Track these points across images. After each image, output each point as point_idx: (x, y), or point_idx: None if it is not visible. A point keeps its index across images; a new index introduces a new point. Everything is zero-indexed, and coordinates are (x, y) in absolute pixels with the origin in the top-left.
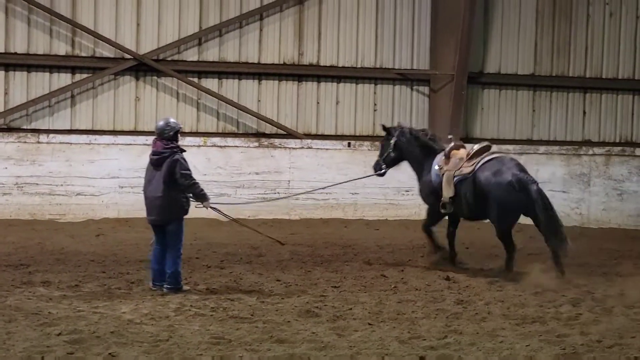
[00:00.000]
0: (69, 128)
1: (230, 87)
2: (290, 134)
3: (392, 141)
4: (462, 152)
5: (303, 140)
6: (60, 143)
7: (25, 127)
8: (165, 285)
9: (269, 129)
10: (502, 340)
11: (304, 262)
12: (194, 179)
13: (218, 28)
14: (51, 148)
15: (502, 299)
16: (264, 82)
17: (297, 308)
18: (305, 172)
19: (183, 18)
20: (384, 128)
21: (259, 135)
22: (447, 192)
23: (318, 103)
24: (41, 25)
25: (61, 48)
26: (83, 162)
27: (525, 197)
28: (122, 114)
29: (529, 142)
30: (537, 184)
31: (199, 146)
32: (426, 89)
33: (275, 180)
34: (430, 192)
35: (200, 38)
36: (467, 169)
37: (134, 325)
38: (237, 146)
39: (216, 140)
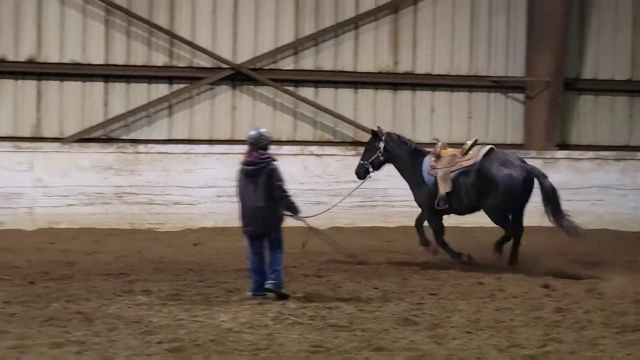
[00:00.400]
0: (166, 138)
1: (326, 96)
2: None
3: (381, 145)
4: (451, 151)
5: None
6: (158, 153)
7: (124, 137)
8: (268, 282)
9: (365, 137)
10: (603, 349)
11: (401, 270)
12: (287, 192)
13: (314, 37)
14: (150, 158)
15: (601, 307)
16: (360, 90)
17: (395, 316)
18: (402, 180)
19: (279, 27)
20: (373, 132)
21: (355, 143)
22: (444, 188)
23: (413, 111)
24: (140, 37)
25: (159, 59)
26: (180, 172)
27: (528, 190)
28: (219, 123)
29: (627, 148)
30: (547, 177)
31: (296, 155)
32: (521, 96)
33: (372, 188)
34: (426, 193)
35: (296, 47)
36: (466, 162)
37: (233, 333)
38: (334, 154)
39: (313, 148)
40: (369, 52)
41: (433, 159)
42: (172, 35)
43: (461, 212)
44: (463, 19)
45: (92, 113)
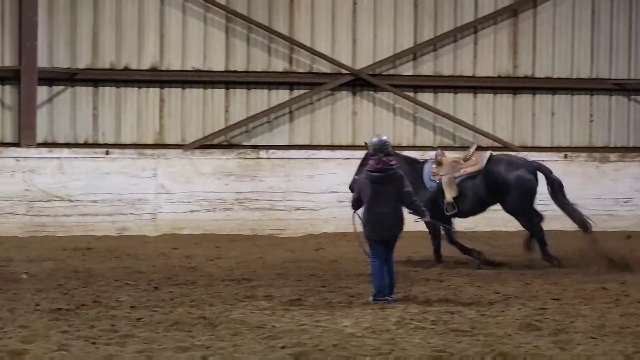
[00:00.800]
0: (287, 143)
1: (445, 101)
2: (506, 147)
3: None
4: (451, 157)
5: (519, 152)
6: (279, 158)
7: (245, 143)
8: (390, 297)
9: (485, 141)
10: None
11: (522, 274)
12: (415, 197)
13: (433, 42)
14: (271, 163)
15: None
16: (479, 95)
17: (517, 321)
18: None
19: (398, 33)
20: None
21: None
22: (450, 194)
23: (533, 115)
24: (260, 43)
25: (279, 65)
26: (302, 177)
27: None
28: (340, 129)
29: None
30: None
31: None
32: None
33: None
34: (427, 199)
35: (415, 52)
36: (471, 167)
37: (356, 338)
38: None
39: (433, 153)
40: (488, 56)
41: (434, 165)
42: (292, 42)
43: (465, 215)
44: (584, 20)
45: (213, 119)
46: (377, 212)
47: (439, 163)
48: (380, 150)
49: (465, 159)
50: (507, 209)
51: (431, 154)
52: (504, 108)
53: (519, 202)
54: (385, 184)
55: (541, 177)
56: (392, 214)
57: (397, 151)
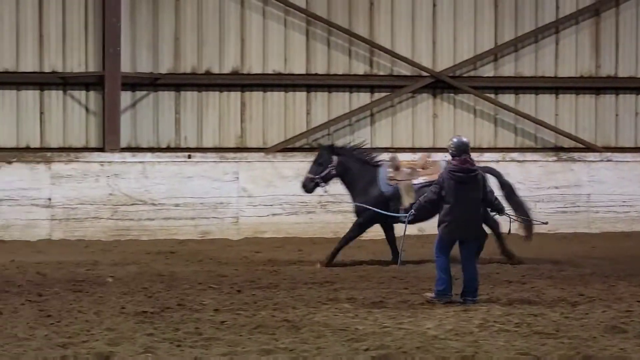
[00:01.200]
0: (369, 146)
1: (527, 102)
2: (589, 148)
3: (335, 158)
4: (407, 163)
5: (602, 153)
6: None
7: None
8: (471, 298)
9: (567, 142)
10: None
11: (607, 276)
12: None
13: (514, 43)
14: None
15: None
16: (561, 96)
17: (602, 323)
18: (605, 186)
19: (478, 34)
20: (330, 147)
21: (557, 149)
22: (408, 200)
23: (617, 115)
24: (340, 46)
25: (360, 68)
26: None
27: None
28: (421, 131)
29: None
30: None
31: (498, 161)
32: None
33: (574, 194)
34: (379, 203)
35: (496, 54)
36: (429, 176)
37: (439, 340)
38: (535, 161)
39: (514, 155)
40: (570, 56)
41: (390, 170)
42: (372, 44)
43: (418, 222)
44: None
45: (295, 122)
46: (459, 213)
47: (396, 168)
48: (462, 151)
49: (424, 167)
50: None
51: (413, 156)
52: (587, 109)
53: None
54: (467, 184)
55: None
56: (474, 214)
57: (357, 150)
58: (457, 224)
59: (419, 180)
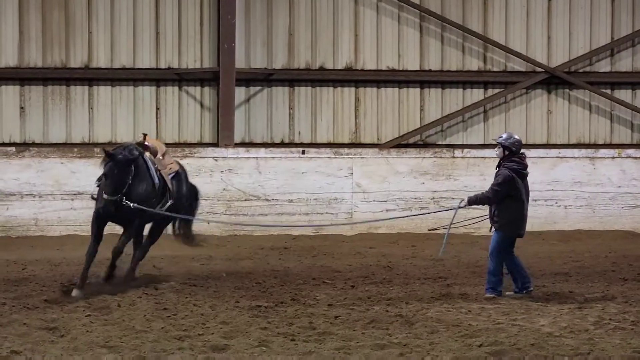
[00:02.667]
0: (482, 143)
1: None
2: None
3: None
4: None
5: None
6: (474, 157)
7: (440, 142)
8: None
9: None
10: None
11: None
12: None
13: (631, 38)
14: (466, 163)
15: None
16: None
17: None
18: None
19: (594, 29)
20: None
21: None
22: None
23: None
24: (454, 42)
25: (473, 64)
26: None
27: None
28: (534, 128)
29: None
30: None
31: (613, 158)
32: None
33: None
34: (155, 197)
35: (612, 49)
36: (173, 166)
37: (553, 338)
38: None
39: (631, 151)
40: None
41: (156, 159)
42: (486, 40)
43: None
44: None
45: (408, 119)
46: (523, 209)
47: (155, 154)
48: (521, 147)
49: (163, 155)
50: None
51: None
52: None
53: (197, 208)
54: (524, 180)
55: None
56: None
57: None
58: (523, 221)
59: (169, 170)
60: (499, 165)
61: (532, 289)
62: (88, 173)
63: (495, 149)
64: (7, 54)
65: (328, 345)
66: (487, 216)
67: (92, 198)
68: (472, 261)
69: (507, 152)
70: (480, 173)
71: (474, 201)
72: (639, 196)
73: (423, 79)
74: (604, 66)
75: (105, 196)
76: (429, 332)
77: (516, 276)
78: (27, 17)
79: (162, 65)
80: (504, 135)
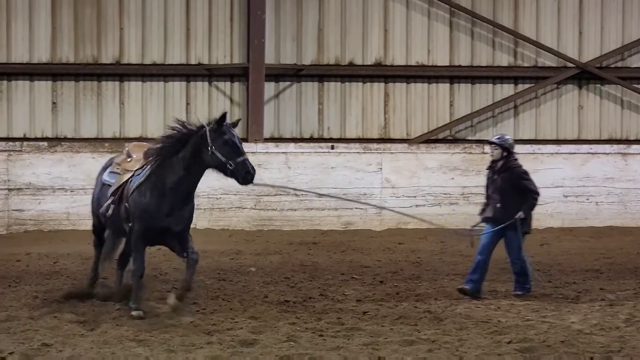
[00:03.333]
0: (513, 138)
1: None
2: None
3: None
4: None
5: None
6: None
7: (470, 137)
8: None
9: None
10: None
11: None
12: None
13: None
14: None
15: None
16: None
17: None
18: None
19: (627, 24)
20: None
21: None
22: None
23: None
24: (484, 37)
25: (503, 59)
26: None
27: None
28: (565, 123)
29: None
30: None
31: None
32: None
33: None
34: None
35: None
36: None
37: (584, 335)
38: None
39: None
40: None
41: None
42: (516, 35)
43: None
44: None
45: (438, 114)
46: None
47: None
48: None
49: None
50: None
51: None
52: None
53: None
54: None
55: None
56: None
57: None
58: (532, 218)
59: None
60: (496, 168)
61: (530, 288)
62: None
63: (491, 150)
64: (40, 49)
65: (356, 340)
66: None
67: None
68: (500, 258)
69: (505, 153)
70: None
71: (528, 210)
72: None
73: (453, 75)
74: (636, 61)
75: None
76: (458, 329)
77: (522, 275)
78: (59, 13)
79: (192, 61)
80: (499, 136)
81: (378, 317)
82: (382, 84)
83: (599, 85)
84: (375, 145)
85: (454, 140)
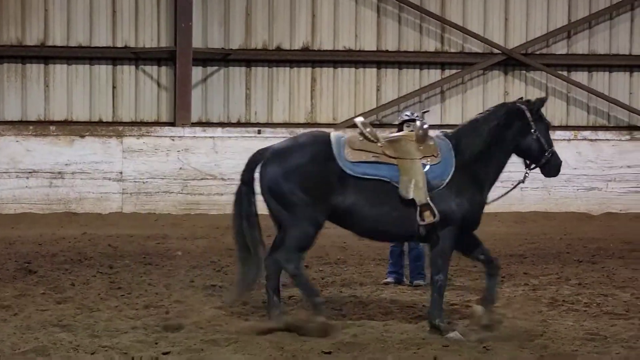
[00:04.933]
0: (439, 123)
1: (600, 80)
2: None
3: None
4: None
5: None
6: None
7: (396, 122)
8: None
9: None
10: None
11: None
12: None
13: (587, 20)
14: None
15: None
16: (635, 74)
17: None
18: None
19: (552, 11)
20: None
21: (630, 128)
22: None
23: None
24: (411, 23)
25: (431, 44)
26: None
27: None
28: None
29: None
30: None
31: (569, 140)
32: None
33: None
34: None
35: (569, 31)
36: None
37: (507, 319)
38: (608, 139)
39: (586, 133)
40: None
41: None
42: (443, 21)
43: None
44: None
45: (365, 99)
46: None
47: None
48: None
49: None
50: None
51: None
52: None
53: None
54: None
55: None
56: None
57: None
58: None
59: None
60: None
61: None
62: (43, 151)
63: (411, 126)
64: None
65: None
66: None
67: None
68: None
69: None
70: None
71: None
72: (594, 178)
73: (380, 60)
74: (560, 48)
75: None
76: (383, 313)
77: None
78: None
79: (119, 44)
80: (414, 113)
81: (303, 301)
82: (310, 69)
83: (524, 71)
84: (302, 130)
85: (381, 125)
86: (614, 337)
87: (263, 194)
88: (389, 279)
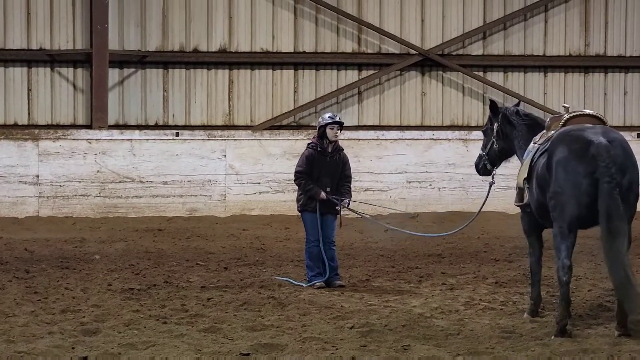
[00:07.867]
0: (356, 124)
1: (515, 81)
2: None
3: (495, 127)
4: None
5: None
6: (348, 139)
7: (314, 124)
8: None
9: None
10: None
11: (594, 255)
12: (299, 178)
13: (502, 21)
14: (340, 144)
15: None
16: (549, 74)
17: (588, 302)
18: None
19: (467, 12)
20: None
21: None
22: (520, 175)
23: (605, 94)
24: (328, 24)
25: (347, 45)
26: (371, 158)
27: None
28: (409, 109)
29: None
30: None
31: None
32: None
33: None
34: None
35: (484, 32)
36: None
37: (424, 319)
38: None
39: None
40: (559, 35)
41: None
42: (360, 22)
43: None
44: None
45: (282, 100)
46: None
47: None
48: None
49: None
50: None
51: None
52: (575, 87)
53: None
54: None
55: None
56: None
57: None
58: None
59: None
60: (327, 150)
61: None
62: None
63: (335, 131)
64: None
65: (200, 327)
66: None
67: None
68: (347, 243)
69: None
70: (354, 155)
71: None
72: (510, 178)
73: (297, 61)
74: (476, 49)
75: None
76: (301, 314)
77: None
78: None
79: (34, 46)
80: (333, 114)
81: (222, 304)
82: (227, 71)
83: (441, 72)
84: (219, 132)
85: (298, 127)
86: (529, 334)
87: None
88: (320, 282)
